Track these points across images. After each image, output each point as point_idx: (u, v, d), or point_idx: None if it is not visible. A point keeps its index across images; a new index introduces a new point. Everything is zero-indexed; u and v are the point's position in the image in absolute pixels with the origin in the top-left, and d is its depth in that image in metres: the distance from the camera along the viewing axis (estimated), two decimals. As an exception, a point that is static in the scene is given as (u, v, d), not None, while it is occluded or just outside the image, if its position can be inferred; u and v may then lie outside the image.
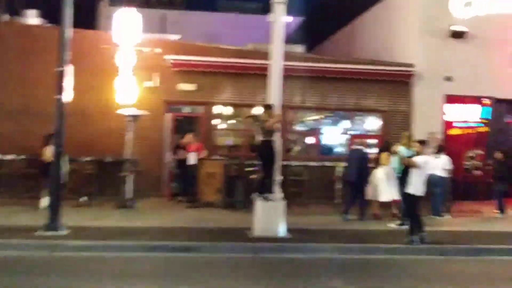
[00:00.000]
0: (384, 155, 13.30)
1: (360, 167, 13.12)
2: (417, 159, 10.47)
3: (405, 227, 11.06)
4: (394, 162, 12.45)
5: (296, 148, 18.03)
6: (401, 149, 12.17)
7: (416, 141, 11.28)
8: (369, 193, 13.37)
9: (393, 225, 12.23)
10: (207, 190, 14.76)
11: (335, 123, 18.28)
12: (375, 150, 17.51)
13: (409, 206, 10.65)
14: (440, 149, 14.20)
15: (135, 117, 14.36)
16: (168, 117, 16.67)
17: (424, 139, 11.87)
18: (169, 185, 16.39)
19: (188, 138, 15.43)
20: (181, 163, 15.48)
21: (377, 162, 13.47)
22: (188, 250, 9.66)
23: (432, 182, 13.17)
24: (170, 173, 16.44)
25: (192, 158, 14.95)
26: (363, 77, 17.32)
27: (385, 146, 13.72)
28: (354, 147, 14.00)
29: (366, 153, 13.57)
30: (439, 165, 13.78)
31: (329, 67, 17.23)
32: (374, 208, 13.35)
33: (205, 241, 10.06)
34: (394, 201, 13.13)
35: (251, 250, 9.82)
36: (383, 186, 13.16)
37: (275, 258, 9.60)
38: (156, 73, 16.47)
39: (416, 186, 10.36)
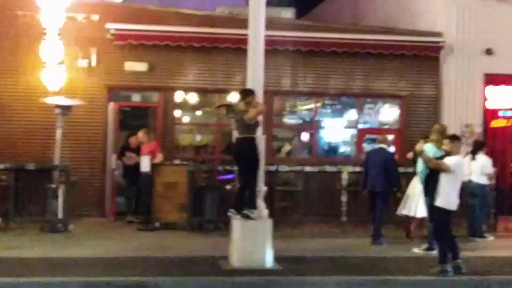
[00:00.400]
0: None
1: (387, 173, 13.23)
2: (448, 161, 10.58)
3: (435, 253, 11.17)
4: (418, 165, 12.59)
5: (286, 148, 18.11)
6: (427, 147, 12.29)
7: (447, 137, 11.37)
8: (403, 207, 13.49)
9: (418, 250, 12.35)
10: (167, 206, 14.73)
11: (337, 113, 18.40)
12: (391, 149, 17.72)
13: (439, 224, 10.74)
14: (478, 147, 14.35)
15: (65, 109, 14.30)
16: (112, 108, 16.64)
17: (457, 134, 11.97)
18: (115, 200, 16.35)
19: (141, 136, 15.42)
20: (131, 170, 15.48)
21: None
22: (143, 288, 9.65)
23: (469, 191, 13.32)
24: (116, 184, 16.42)
25: (145, 164, 14.93)
26: (374, 51, 17.45)
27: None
28: (377, 146, 14.05)
29: (392, 154, 13.65)
30: (477, 168, 13.93)
31: (328, 38, 17.32)
32: (411, 225, 13.53)
33: (165, 276, 10.00)
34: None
35: (227, 287, 9.84)
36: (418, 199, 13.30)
37: (259, 296, 9.62)
38: (94, 48, 16.43)
39: (447, 197, 10.45)
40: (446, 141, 11.03)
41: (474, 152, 14.20)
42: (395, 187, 13.42)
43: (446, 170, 10.44)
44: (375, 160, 13.49)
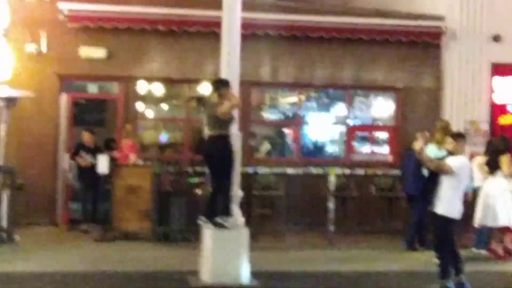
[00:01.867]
0: (505, 158, 13.45)
1: (423, 175, 13.33)
2: (451, 162, 10.62)
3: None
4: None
5: (266, 147, 18.12)
6: (430, 150, 12.35)
7: (450, 135, 11.43)
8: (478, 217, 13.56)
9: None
10: (128, 213, 14.71)
11: (324, 107, 18.44)
12: (385, 149, 17.82)
13: (440, 234, 10.79)
14: (487, 147, 14.39)
15: (10, 101, 14.23)
16: (65, 100, 16.58)
17: (461, 131, 12.03)
18: (68, 207, 16.28)
19: (125, 132, 15.57)
20: (86, 172, 15.45)
21: (492, 168, 13.58)
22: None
23: (475, 197, 13.39)
24: (69, 187, 16.36)
25: (103, 165, 14.87)
26: (366, 37, 17.51)
27: (504, 142, 13.86)
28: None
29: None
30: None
31: (314, 22, 17.34)
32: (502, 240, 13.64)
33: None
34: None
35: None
36: (501, 206, 13.36)
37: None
38: (44, 32, 16.35)
39: (450, 203, 10.50)
40: (449, 140, 11.07)
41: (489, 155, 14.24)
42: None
43: (449, 172, 10.47)
44: (410, 161, 13.54)
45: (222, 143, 10.83)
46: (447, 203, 10.47)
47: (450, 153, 10.88)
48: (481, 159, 13.88)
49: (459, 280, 10.55)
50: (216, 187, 11.03)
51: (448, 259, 10.60)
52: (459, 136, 11.01)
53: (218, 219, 10.82)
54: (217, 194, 11.00)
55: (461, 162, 10.63)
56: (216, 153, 10.90)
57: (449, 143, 11.01)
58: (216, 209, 10.92)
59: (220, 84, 10.96)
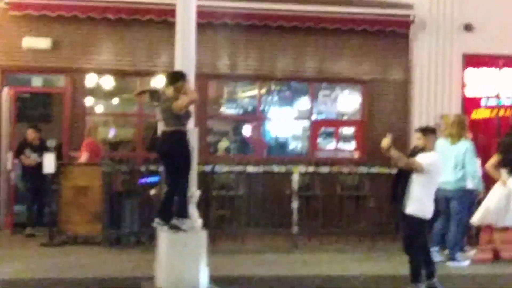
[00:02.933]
0: None
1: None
2: (422, 159, 10.72)
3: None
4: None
5: (224, 144, 18.16)
6: (440, 144, 12.38)
7: (418, 130, 11.49)
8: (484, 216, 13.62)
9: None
10: (77, 216, 14.67)
11: (286, 101, 18.52)
12: (352, 145, 17.95)
13: (411, 236, 10.88)
14: (500, 146, 14.43)
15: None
16: (7, 94, 16.48)
17: (432, 126, 12.13)
18: (12, 210, 16.19)
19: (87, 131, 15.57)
20: (31, 172, 15.38)
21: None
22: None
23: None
24: (13, 188, 16.28)
25: (49, 164, 14.80)
26: (331, 26, 17.62)
27: None
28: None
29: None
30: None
31: (275, 10, 17.41)
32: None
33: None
34: None
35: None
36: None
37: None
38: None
39: (421, 203, 10.59)
40: (418, 135, 11.16)
41: None
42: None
43: (419, 170, 10.56)
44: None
45: (178, 139, 10.82)
46: (418, 203, 10.56)
47: (420, 149, 10.99)
48: (493, 160, 13.92)
49: (431, 284, 10.71)
50: (172, 187, 11.03)
51: (420, 261, 10.74)
52: (429, 131, 11.08)
53: (174, 221, 10.83)
54: (173, 194, 10.99)
55: (432, 159, 10.72)
56: (171, 151, 10.91)
57: (418, 138, 11.10)
58: (172, 210, 10.94)
59: (176, 77, 10.95)
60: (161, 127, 11.06)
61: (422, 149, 10.87)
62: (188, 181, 10.97)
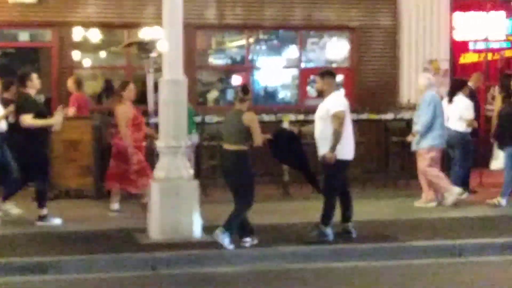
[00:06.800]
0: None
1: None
2: (331, 108, 10.68)
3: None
4: None
5: (213, 94, 18.18)
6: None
7: (317, 74, 11.42)
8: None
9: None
10: (68, 170, 14.73)
11: (275, 50, 18.51)
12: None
13: (329, 178, 10.95)
14: (458, 87, 14.50)
15: None
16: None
17: (330, 69, 12.23)
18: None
19: (70, 84, 15.42)
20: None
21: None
22: (44, 271, 9.66)
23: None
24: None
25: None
26: (317, -29, 17.58)
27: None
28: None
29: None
30: (456, 113, 14.20)
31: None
32: None
33: (69, 255, 10.09)
34: None
35: (146, 265, 9.93)
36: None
37: (186, 275, 9.75)
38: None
39: (343, 145, 10.69)
40: (317, 78, 11.14)
41: (452, 94, 14.41)
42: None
43: (342, 117, 10.59)
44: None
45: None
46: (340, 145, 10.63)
47: (319, 92, 10.99)
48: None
49: (346, 228, 10.91)
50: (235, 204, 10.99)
51: (333, 204, 10.84)
52: (327, 74, 11.03)
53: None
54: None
55: (336, 101, 10.75)
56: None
57: (317, 82, 11.09)
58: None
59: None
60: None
61: (321, 93, 10.90)
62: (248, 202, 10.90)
